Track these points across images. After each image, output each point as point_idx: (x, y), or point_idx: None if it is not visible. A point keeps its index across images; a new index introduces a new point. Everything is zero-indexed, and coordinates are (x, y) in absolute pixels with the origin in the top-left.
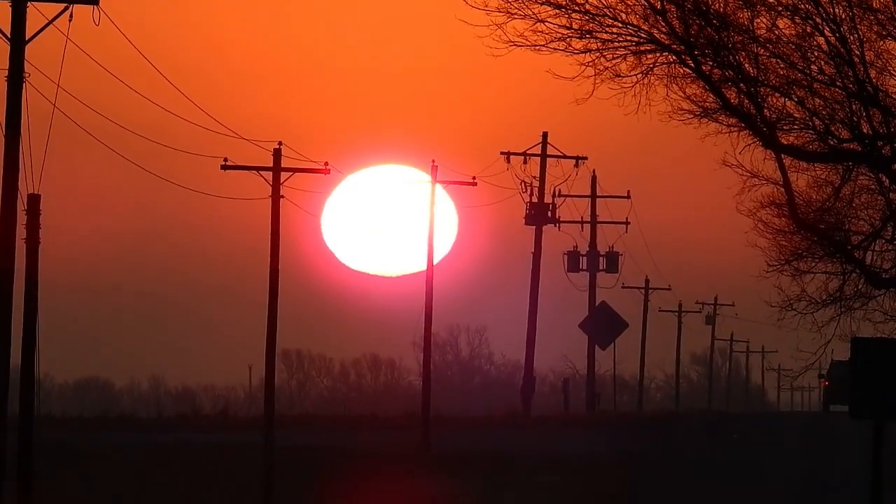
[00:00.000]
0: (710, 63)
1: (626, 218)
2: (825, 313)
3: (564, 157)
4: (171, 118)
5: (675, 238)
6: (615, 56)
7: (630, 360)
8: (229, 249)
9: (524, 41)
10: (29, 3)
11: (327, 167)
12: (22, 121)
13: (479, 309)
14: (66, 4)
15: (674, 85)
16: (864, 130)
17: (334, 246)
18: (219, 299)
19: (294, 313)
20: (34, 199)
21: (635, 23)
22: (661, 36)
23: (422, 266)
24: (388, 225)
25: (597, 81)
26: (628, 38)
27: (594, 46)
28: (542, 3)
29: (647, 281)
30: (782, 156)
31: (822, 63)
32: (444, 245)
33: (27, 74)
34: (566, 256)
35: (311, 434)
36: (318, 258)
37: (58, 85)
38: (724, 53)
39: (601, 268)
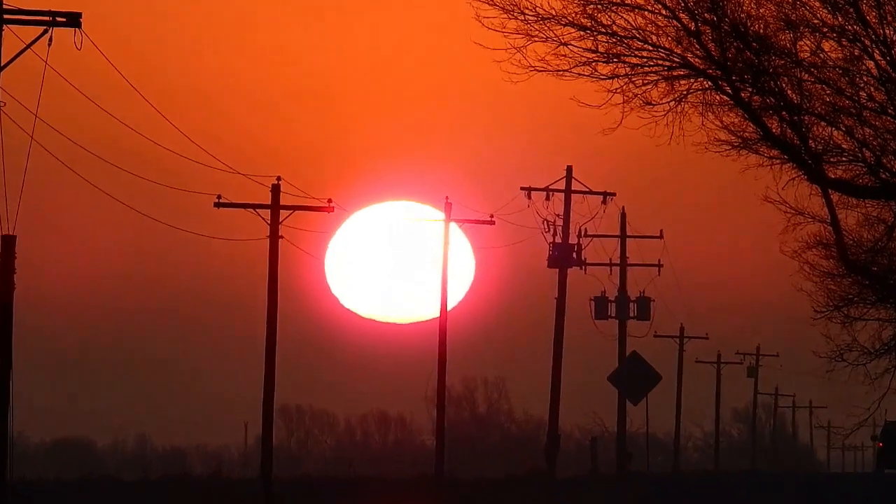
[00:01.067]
0: (750, 89)
1: (659, 260)
2: (878, 364)
3: (591, 192)
4: (160, 150)
5: (713, 282)
6: (645, 82)
7: (664, 416)
8: (223, 294)
9: (546, 66)
10: (5, 26)
11: (331, 204)
12: None
13: (497, 360)
14: (45, 27)
15: (710, 113)
16: None
17: (339, 290)
18: (212, 349)
19: (294, 364)
20: (9, 242)
21: (667, 46)
22: (696, 60)
23: (435, 312)
24: (397, 268)
25: (625, 109)
26: (659, 62)
27: (622, 71)
28: (564, 25)
29: (681, 329)
30: (829, 191)
31: (872, 89)
32: (459, 289)
33: (2, 103)
34: (593, 302)
35: (311, 498)
36: (321, 303)
37: (35, 115)
38: (764, 79)
39: (631, 315)
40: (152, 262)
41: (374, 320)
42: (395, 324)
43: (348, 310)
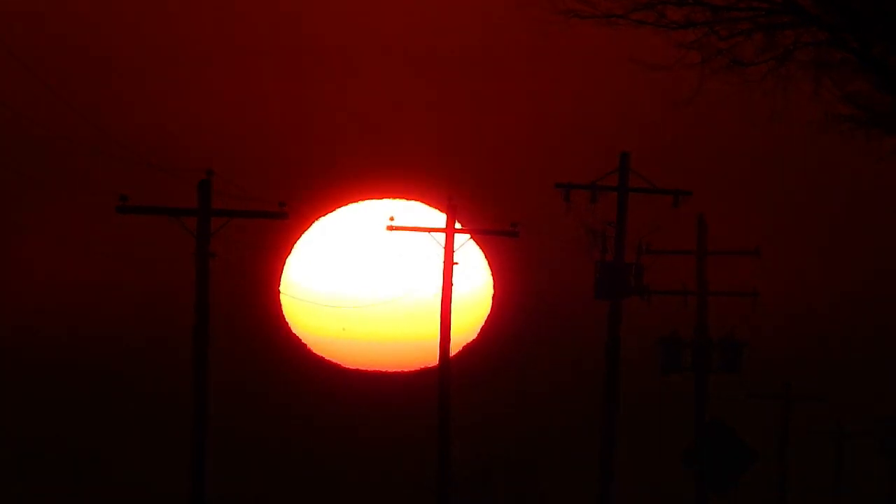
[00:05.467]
0: (885, 43)
1: (754, 287)
2: None
3: (655, 190)
4: (44, 134)
5: (833, 319)
6: (734, 32)
7: None
8: (130, 337)
9: (590, 9)
10: None
11: (284, 208)
12: None
13: (524, 431)
14: None
15: (826, 78)
16: None
17: (300, 329)
18: (112, 422)
19: (236, 442)
20: None
21: None
22: (807, 2)
23: (433, 359)
24: (378, 296)
25: (706, 72)
26: (755, 4)
27: (701, 17)
28: None
29: (787, 387)
30: None
31: None
32: (469, 327)
33: None
34: (660, 347)
35: None
36: (275, 349)
37: None
38: None
39: (715, 365)
40: (29, 289)
41: (347, 369)
42: (376, 373)
43: (315, 354)
